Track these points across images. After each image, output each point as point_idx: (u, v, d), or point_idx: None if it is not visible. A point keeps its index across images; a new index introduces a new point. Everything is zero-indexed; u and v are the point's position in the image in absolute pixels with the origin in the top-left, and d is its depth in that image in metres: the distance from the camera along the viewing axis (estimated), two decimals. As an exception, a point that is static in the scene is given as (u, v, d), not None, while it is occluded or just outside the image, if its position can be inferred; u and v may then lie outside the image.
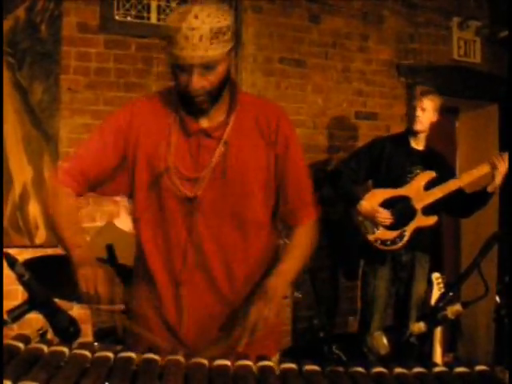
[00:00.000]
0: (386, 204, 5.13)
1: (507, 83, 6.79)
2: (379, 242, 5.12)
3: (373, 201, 5.15)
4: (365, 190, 5.34)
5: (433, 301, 4.48)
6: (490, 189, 5.03)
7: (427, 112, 5.16)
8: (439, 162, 5.35)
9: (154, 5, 5.88)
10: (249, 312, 2.46)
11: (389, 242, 5.09)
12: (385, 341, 2.16)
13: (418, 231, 5.14)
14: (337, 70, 6.71)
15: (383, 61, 6.96)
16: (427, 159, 5.26)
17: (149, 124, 2.69)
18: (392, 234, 5.10)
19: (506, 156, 4.98)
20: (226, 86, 2.64)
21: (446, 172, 5.24)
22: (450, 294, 2.24)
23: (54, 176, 2.86)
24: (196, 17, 2.39)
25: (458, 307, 2.21)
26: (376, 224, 5.11)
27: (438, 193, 5.06)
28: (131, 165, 2.70)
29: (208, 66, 2.45)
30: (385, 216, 5.08)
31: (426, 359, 4.59)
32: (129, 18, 5.79)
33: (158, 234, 2.72)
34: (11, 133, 5.15)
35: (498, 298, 3.15)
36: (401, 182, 5.16)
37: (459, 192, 5.09)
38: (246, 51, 6.13)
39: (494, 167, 4.96)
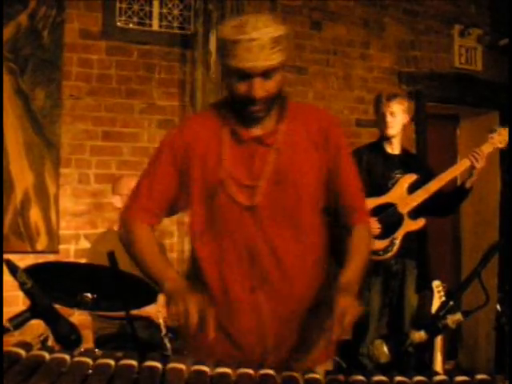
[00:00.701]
0: (371, 214, 5.10)
1: (508, 91, 6.80)
2: (372, 252, 5.09)
3: None
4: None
5: (433, 309, 4.47)
6: (468, 184, 5.02)
7: (397, 115, 5.13)
8: (417, 163, 5.33)
9: (155, 12, 5.90)
10: (336, 305, 2.44)
11: (381, 252, 5.05)
12: (385, 349, 2.16)
13: (406, 237, 5.11)
14: (338, 78, 6.72)
15: (384, 68, 6.96)
16: (405, 162, 5.23)
17: (199, 137, 2.70)
18: (383, 244, 5.05)
19: (482, 152, 4.96)
20: (279, 95, 2.66)
21: (425, 172, 5.21)
22: (451, 303, 2.24)
23: (126, 213, 2.84)
24: (255, 28, 2.42)
25: (458, 316, 2.21)
26: None
27: (423, 194, 5.02)
28: (186, 180, 2.71)
29: (267, 75, 2.49)
30: (372, 226, 5.04)
31: (425, 368, 4.59)
32: (131, 25, 5.81)
33: (218, 245, 2.71)
34: (13, 139, 5.16)
35: (498, 307, 3.15)
36: (383, 190, 5.11)
37: (438, 191, 5.07)
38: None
39: (473, 163, 4.95)
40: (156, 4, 5.92)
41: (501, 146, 5.03)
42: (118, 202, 4.86)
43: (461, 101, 7.31)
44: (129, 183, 4.84)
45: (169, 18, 5.95)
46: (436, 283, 4.70)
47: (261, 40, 2.41)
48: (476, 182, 5.04)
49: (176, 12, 5.98)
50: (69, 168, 5.49)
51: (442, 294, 4.61)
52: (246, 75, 2.48)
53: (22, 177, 5.23)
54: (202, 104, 5.80)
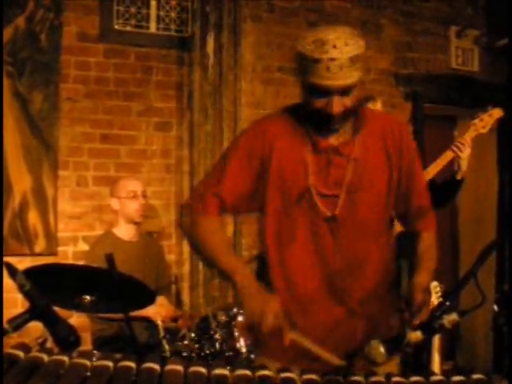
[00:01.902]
0: None
1: (507, 92, 6.80)
2: None
3: None
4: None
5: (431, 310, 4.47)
6: (459, 176, 5.02)
7: None
8: None
9: (153, 14, 5.90)
10: (415, 300, 2.55)
11: None
12: (382, 349, 2.16)
13: (399, 237, 5.10)
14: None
15: (381, 70, 6.96)
16: None
17: (282, 142, 2.74)
18: None
19: (465, 140, 4.96)
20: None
21: None
22: (447, 303, 2.25)
23: (193, 204, 2.84)
24: (335, 47, 2.45)
25: (454, 316, 2.21)
26: None
27: None
28: (262, 183, 2.75)
29: (345, 92, 2.52)
30: None
31: (422, 368, 4.60)
32: (128, 28, 5.81)
33: (292, 251, 2.74)
34: (11, 141, 5.16)
35: (495, 307, 3.15)
36: None
37: (430, 184, 5.05)
38: (245, 60, 6.14)
39: (456, 153, 4.94)
40: (153, 6, 5.92)
41: (483, 131, 5.04)
42: (116, 204, 4.87)
43: (458, 102, 7.31)
44: (127, 186, 4.86)
45: (166, 21, 5.95)
46: (433, 284, 4.70)
47: (341, 59, 2.44)
48: (466, 172, 5.03)
49: (173, 14, 5.98)
50: (67, 170, 5.49)
51: (440, 294, 4.61)
52: (325, 92, 2.52)
53: (20, 179, 5.23)
54: (199, 106, 5.81)
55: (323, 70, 2.46)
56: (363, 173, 2.70)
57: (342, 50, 2.44)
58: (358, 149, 2.70)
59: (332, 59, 2.44)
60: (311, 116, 2.65)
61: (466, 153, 4.95)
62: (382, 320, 2.77)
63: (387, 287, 2.86)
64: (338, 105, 2.53)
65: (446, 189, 5.12)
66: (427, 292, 2.70)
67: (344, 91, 2.51)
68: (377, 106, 5.18)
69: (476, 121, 5.04)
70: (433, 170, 5.02)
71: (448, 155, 5.00)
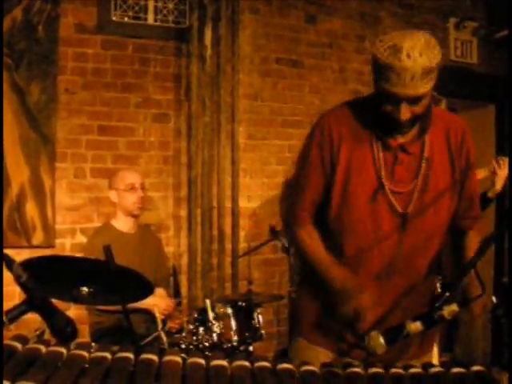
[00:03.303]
0: None
1: (506, 83, 6.80)
2: None
3: None
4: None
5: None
6: (490, 194, 5.00)
7: None
8: None
9: (151, 6, 5.89)
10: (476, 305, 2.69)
11: None
12: (381, 340, 2.15)
13: None
14: (333, 71, 6.72)
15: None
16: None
17: (346, 138, 2.79)
18: None
19: (505, 161, 4.94)
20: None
21: None
22: (447, 294, 2.24)
23: (289, 218, 3.03)
24: (408, 56, 2.45)
25: (454, 307, 2.21)
26: None
27: None
28: (330, 181, 2.82)
29: (415, 101, 2.55)
30: None
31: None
32: (126, 19, 5.80)
33: (366, 245, 2.82)
34: (8, 133, 5.15)
35: (494, 299, 3.15)
36: None
37: None
38: (243, 52, 6.14)
39: (493, 172, 4.93)
40: (151, -2, 5.92)
41: None
42: (114, 196, 4.87)
43: (457, 94, 7.30)
44: (125, 178, 4.85)
45: (164, 12, 5.94)
46: (433, 276, 4.70)
47: (413, 69, 2.45)
48: (498, 191, 5.02)
49: (171, 6, 5.97)
50: (64, 162, 5.48)
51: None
52: (394, 99, 2.54)
53: (17, 171, 5.22)
54: (197, 98, 5.81)
55: (394, 78, 2.48)
56: (434, 172, 2.77)
57: (415, 61, 2.45)
58: (427, 148, 2.76)
59: (404, 68, 2.45)
60: (379, 117, 2.68)
61: (503, 173, 4.92)
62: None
63: (431, 280, 3.03)
64: (406, 112, 2.56)
65: None
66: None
67: (414, 100, 2.54)
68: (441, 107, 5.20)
69: None
70: None
71: (481, 173, 4.96)
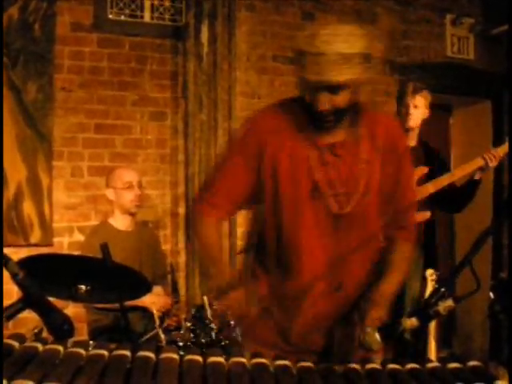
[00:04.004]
0: None
1: (506, 80, 6.80)
2: None
3: None
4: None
5: (426, 297, 4.48)
6: (477, 176, 5.04)
7: (419, 109, 5.16)
8: (432, 156, 5.34)
9: (147, 3, 5.89)
10: (368, 317, 2.49)
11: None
12: (377, 336, 2.16)
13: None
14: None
15: (376, 58, 6.95)
16: (418, 155, 5.24)
17: (276, 137, 2.68)
18: None
19: (498, 153, 4.98)
20: (353, 106, 2.62)
21: (438, 166, 5.22)
22: (442, 289, 2.25)
23: (195, 205, 2.96)
24: (326, 41, 2.38)
25: (449, 302, 2.21)
26: None
27: (430, 188, 5.03)
28: (263, 176, 2.71)
29: (334, 90, 2.45)
30: None
31: (419, 355, 4.61)
32: (122, 17, 5.80)
33: (290, 245, 2.71)
34: (5, 132, 5.15)
35: (491, 295, 3.15)
36: None
37: (450, 186, 5.08)
38: (240, 49, 6.14)
39: (486, 162, 4.97)
40: (147, -4, 5.92)
41: None
42: (111, 194, 4.86)
43: (453, 90, 7.31)
44: (122, 176, 4.85)
45: (160, 10, 5.94)
46: (429, 271, 4.70)
47: (329, 55, 2.37)
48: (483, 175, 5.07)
49: (167, 4, 5.97)
50: (61, 161, 5.49)
51: (435, 281, 4.62)
52: (313, 87, 2.47)
53: (14, 170, 5.22)
54: (194, 95, 5.80)
55: (311, 64, 2.40)
56: (361, 173, 2.65)
57: (332, 46, 2.37)
58: (362, 148, 2.65)
59: (320, 54, 2.37)
60: (305, 110, 2.61)
61: (493, 164, 4.98)
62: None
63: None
64: (323, 102, 2.47)
65: (465, 191, 5.15)
66: (386, 304, 2.62)
67: (332, 89, 2.44)
68: (428, 98, 5.22)
69: None
70: (459, 172, 5.06)
71: (477, 163, 5.02)
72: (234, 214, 2.97)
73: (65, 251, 5.39)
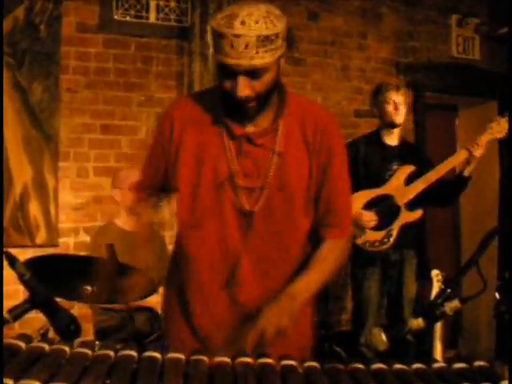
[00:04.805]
0: (368, 206, 5.09)
1: (507, 80, 6.80)
2: (368, 244, 5.07)
3: (355, 204, 5.09)
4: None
5: (432, 297, 4.48)
6: (466, 173, 5.04)
7: (401, 105, 5.16)
8: (415, 154, 5.34)
9: (152, 4, 5.90)
10: (260, 316, 2.41)
11: (377, 243, 5.06)
12: (383, 337, 2.15)
13: (404, 228, 5.12)
14: (336, 68, 6.72)
15: (382, 59, 6.96)
16: (403, 153, 5.24)
17: (192, 127, 2.61)
18: (379, 235, 5.06)
19: (481, 141, 4.98)
20: (275, 92, 2.53)
21: (423, 163, 5.23)
22: (448, 290, 2.24)
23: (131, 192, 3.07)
24: (243, 23, 2.26)
25: (456, 303, 2.21)
26: (362, 227, 5.06)
27: (420, 186, 5.03)
28: (173, 168, 2.64)
29: (254, 74, 2.35)
30: (368, 218, 5.02)
31: (425, 356, 4.61)
32: (128, 18, 5.81)
33: (203, 240, 2.63)
34: (11, 133, 5.16)
35: (497, 295, 3.15)
36: (380, 181, 5.13)
37: (438, 182, 5.07)
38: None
39: (471, 153, 4.97)
40: (153, -4, 5.93)
41: (499, 136, 5.04)
42: (117, 195, 4.87)
43: (459, 90, 7.31)
44: (128, 176, 4.85)
45: (166, 11, 5.94)
46: (435, 272, 4.70)
47: (247, 37, 2.26)
48: (474, 170, 5.06)
49: (173, 4, 5.97)
50: (67, 161, 5.50)
51: (441, 282, 4.61)
52: (231, 72, 2.36)
53: (20, 171, 5.23)
54: (199, 96, 5.80)
55: (228, 47, 2.28)
56: (282, 167, 2.54)
57: (249, 27, 2.25)
58: (279, 140, 2.54)
59: (237, 35, 2.26)
60: (224, 99, 2.49)
61: (479, 153, 4.98)
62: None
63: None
64: (242, 87, 2.35)
65: (453, 186, 5.14)
66: (297, 299, 2.50)
67: (252, 73, 2.34)
68: (406, 94, 5.21)
69: (493, 124, 5.04)
70: (445, 167, 5.04)
71: (462, 154, 5.02)
72: (157, 195, 2.90)
73: (71, 252, 5.40)
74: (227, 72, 2.37)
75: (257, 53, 2.29)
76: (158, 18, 5.92)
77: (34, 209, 5.29)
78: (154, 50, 5.85)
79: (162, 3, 5.94)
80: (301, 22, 6.51)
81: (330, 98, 6.56)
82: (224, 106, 2.53)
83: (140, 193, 2.89)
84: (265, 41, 2.28)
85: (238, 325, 2.57)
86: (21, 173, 5.23)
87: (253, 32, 2.26)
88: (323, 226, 2.67)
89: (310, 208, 2.64)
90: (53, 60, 5.37)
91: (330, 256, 2.66)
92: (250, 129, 2.55)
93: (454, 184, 5.14)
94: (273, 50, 2.32)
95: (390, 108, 5.14)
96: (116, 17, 5.74)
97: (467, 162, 5.02)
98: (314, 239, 2.70)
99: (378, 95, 5.25)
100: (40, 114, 5.30)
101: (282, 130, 2.55)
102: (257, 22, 2.27)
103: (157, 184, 2.78)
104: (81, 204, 5.55)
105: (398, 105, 5.12)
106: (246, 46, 2.27)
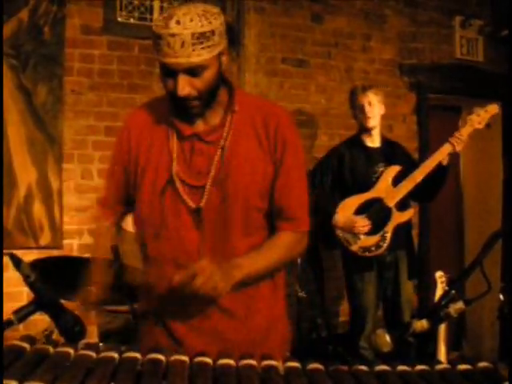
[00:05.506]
0: (359, 211, 5.08)
1: (508, 81, 6.80)
2: (363, 250, 5.07)
3: (346, 212, 5.07)
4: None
5: (436, 299, 4.48)
6: (444, 162, 5.04)
7: (374, 106, 5.15)
8: (398, 153, 5.34)
9: (156, 6, 5.90)
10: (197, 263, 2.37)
11: (373, 248, 5.05)
12: (388, 338, 2.15)
13: (396, 228, 5.11)
14: (339, 70, 6.72)
15: (386, 60, 6.96)
16: (386, 154, 5.24)
17: (146, 133, 2.65)
18: (374, 239, 5.05)
19: (462, 135, 5.00)
20: (220, 89, 2.57)
21: (407, 161, 5.24)
22: (453, 291, 2.24)
23: (96, 208, 2.99)
24: (178, 22, 2.32)
25: (460, 305, 2.21)
26: (356, 234, 5.05)
27: (408, 185, 5.03)
28: (134, 177, 2.67)
29: (193, 72, 2.40)
30: (362, 223, 5.01)
31: (427, 357, 4.61)
32: (132, 20, 5.81)
33: (163, 245, 2.65)
34: (15, 135, 5.17)
35: (501, 296, 3.15)
36: (368, 185, 5.12)
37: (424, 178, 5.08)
38: (249, 52, 6.14)
39: (455, 147, 4.98)
40: (157, -2, 5.94)
41: (479, 126, 5.08)
42: (121, 196, 4.87)
43: (462, 92, 7.30)
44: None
45: (169, 13, 5.95)
46: (439, 274, 4.71)
47: (182, 36, 2.32)
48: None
49: (176, 6, 5.98)
50: (71, 163, 5.50)
51: (445, 284, 4.61)
52: (171, 72, 2.41)
53: (24, 173, 5.24)
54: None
55: (165, 47, 2.34)
56: (232, 162, 2.55)
57: (184, 26, 2.31)
58: (226, 136, 2.57)
59: (172, 35, 2.31)
60: (171, 101, 2.53)
61: (460, 146, 5.00)
62: (253, 324, 2.66)
63: (263, 290, 2.69)
64: (182, 86, 2.40)
65: (434, 177, 5.12)
66: (232, 273, 2.45)
67: (191, 71, 2.39)
68: (380, 94, 5.21)
69: (473, 116, 5.07)
70: (431, 163, 5.04)
71: (446, 149, 5.02)
72: (121, 214, 2.90)
73: (74, 253, 5.41)
74: (168, 72, 2.43)
75: (193, 50, 2.34)
76: (161, 20, 5.92)
77: (38, 211, 5.30)
78: (158, 52, 5.85)
79: (165, 5, 5.94)
80: (304, 24, 6.51)
81: (333, 100, 6.56)
82: (172, 107, 2.57)
83: (105, 210, 2.86)
84: (200, 38, 2.34)
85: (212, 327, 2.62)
86: (25, 175, 5.23)
87: (187, 30, 2.32)
88: (278, 219, 2.67)
89: (265, 202, 2.64)
90: (57, 62, 5.37)
91: (281, 245, 2.65)
92: (199, 127, 2.59)
93: (435, 175, 5.11)
94: (210, 46, 2.37)
95: (357, 113, 5.18)
96: (120, 19, 5.75)
97: (450, 155, 5.03)
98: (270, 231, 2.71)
99: (351, 101, 5.29)
100: (44, 115, 5.30)
101: (228, 126, 2.58)
102: (191, 20, 2.33)
103: (121, 198, 2.80)
104: (85, 206, 5.55)
105: (366, 106, 5.12)
106: (183, 45, 2.32)
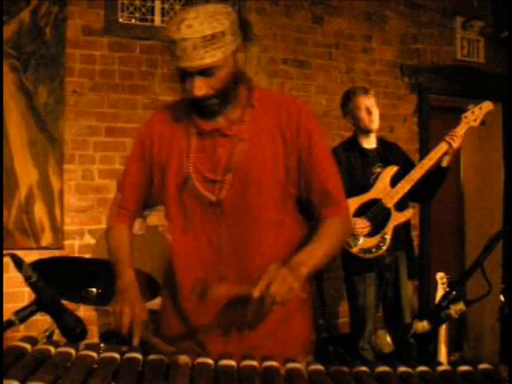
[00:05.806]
0: (358, 213, 5.08)
1: (508, 82, 6.80)
2: (364, 251, 5.07)
3: None
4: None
5: (437, 300, 4.47)
6: (444, 163, 5.03)
7: (374, 109, 5.17)
8: (394, 153, 5.33)
9: (157, 7, 5.91)
10: (268, 271, 2.33)
11: (374, 249, 5.04)
12: (389, 339, 2.15)
13: (395, 229, 5.11)
14: (340, 71, 6.72)
15: (387, 61, 6.96)
16: (383, 155, 5.24)
17: (167, 133, 2.71)
18: (374, 241, 5.04)
19: (458, 133, 5.00)
20: (238, 85, 2.61)
21: (403, 160, 5.24)
22: (453, 292, 2.24)
23: (110, 211, 3.04)
24: (189, 26, 2.38)
25: (461, 306, 2.21)
26: (356, 236, 5.05)
27: (406, 185, 5.02)
28: (159, 177, 2.73)
29: (208, 73, 2.45)
30: (362, 225, 5.01)
31: (428, 358, 4.60)
32: (133, 21, 5.82)
33: (187, 241, 2.70)
34: (16, 135, 5.17)
35: (502, 298, 3.15)
36: (366, 187, 5.11)
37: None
38: (250, 53, 6.14)
39: (450, 145, 4.98)
40: (158, -1, 5.94)
41: (474, 124, 5.07)
42: (122, 197, 4.87)
43: (463, 93, 7.30)
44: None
45: (171, 14, 5.95)
46: (439, 275, 4.70)
47: (193, 39, 2.37)
48: (451, 161, 5.07)
49: (178, 7, 5.98)
50: (73, 164, 5.50)
51: (446, 285, 4.61)
52: (187, 74, 2.46)
53: (26, 173, 5.24)
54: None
55: (180, 51, 2.40)
56: (253, 154, 2.60)
57: (195, 30, 2.37)
58: (247, 129, 2.62)
59: (184, 39, 2.38)
60: (191, 101, 2.57)
61: (456, 144, 4.99)
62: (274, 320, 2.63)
63: None
64: (198, 87, 2.45)
65: (433, 179, 5.12)
66: (300, 271, 2.42)
67: (205, 72, 2.44)
68: (375, 97, 5.22)
69: (467, 114, 5.07)
70: (428, 162, 5.03)
71: (443, 148, 5.02)
72: (137, 216, 2.99)
73: (76, 254, 5.41)
74: (185, 75, 2.47)
75: (206, 52, 2.39)
76: (162, 21, 5.93)
77: (39, 211, 5.30)
78: (159, 53, 5.85)
79: (166, 6, 5.95)
80: (305, 25, 6.51)
81: (334, 101, 6.55)
82: (192, 106, 2.60)
83: (120, 210, 2.91)
84: (212, 39, 2.39)
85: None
86: (26, 175, 5.23)
87: (198, 34, 2.37)
88: (321, 207, 2.69)
89: (287, 195, 2.68)
90: (58, 63, 5.38)
91: (333, 233, 2.66)
92: (220, 123, 2.62)
93: (434, 176, 5.11)
94: (222, 46, 2.43)
95: (362, 114, 5.16)
96: (121, 20, 5.75)
97: (446, 153, 5.02)
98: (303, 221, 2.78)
99: (348, 102, 5.26)
100: (45, 116, 5.31)
101: (249, 119, 2.63)
102: (202, 24, 2.38)
103: (137, 199, 2.86)
104: (86, 206, 5.55)
105: (371, 108, 5.13)
106: (195, 48, 2.38)
